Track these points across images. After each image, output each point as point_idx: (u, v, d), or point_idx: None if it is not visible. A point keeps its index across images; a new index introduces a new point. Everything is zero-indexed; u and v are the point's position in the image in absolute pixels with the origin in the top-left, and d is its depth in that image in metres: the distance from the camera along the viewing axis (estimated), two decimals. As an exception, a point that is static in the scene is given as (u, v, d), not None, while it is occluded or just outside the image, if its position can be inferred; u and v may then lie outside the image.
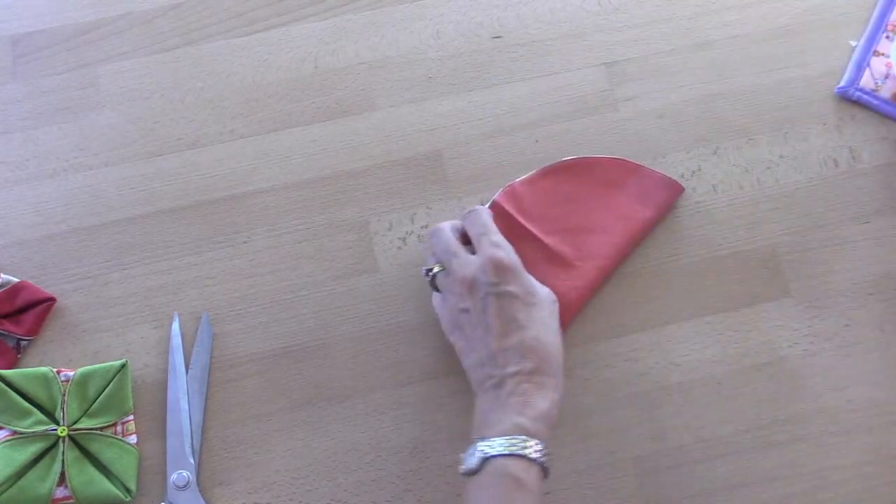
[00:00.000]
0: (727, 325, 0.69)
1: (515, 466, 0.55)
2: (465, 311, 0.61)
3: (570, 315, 0.67)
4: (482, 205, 0.68)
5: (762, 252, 0.71)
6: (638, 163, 0.71)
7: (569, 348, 0.68)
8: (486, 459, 0.55)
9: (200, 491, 0.65)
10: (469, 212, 0.65)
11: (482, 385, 0.59)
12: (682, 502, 0.65)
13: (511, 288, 0.60)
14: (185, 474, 0.65)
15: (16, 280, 0.68)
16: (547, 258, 0.68)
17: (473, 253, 0.63)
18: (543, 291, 0.63)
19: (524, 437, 0.55)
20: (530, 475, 0.55)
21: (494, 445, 0.55)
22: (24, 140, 0.73)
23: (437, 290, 0.65)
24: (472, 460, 0.56)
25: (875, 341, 0.68)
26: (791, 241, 0.71)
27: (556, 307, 0.63)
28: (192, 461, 0.65)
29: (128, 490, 0.64)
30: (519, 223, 0.68)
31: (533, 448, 0.55)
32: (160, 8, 0.77)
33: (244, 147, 0.73)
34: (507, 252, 0.62)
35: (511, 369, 0.58)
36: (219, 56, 0.75)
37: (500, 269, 0.60)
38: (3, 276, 0.69)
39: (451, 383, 0.68)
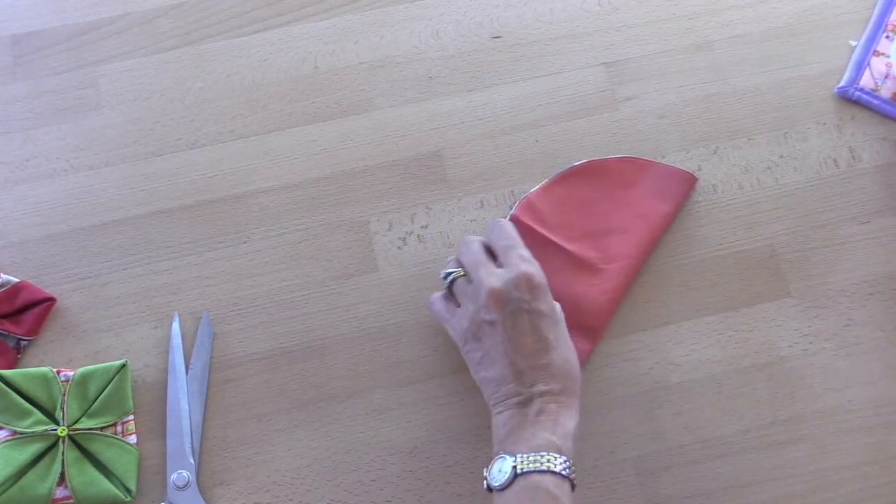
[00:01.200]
0: (727, 325, 0.69)
1: (549, 482, 0.55)
2: (491, 323, 0.60)
3: (604, 319, 0.68)
4: (504, 219, 0.67)
5: (762, 252, 0.71)
6: (648, 159, 0.71)
7: (569, 348, 0.68)
8: (518, 475, 0.55)
9: (200, 491, 0.65)
10: (495, 223, 0.64)
11: (505, 401, 0.59)
12: (682, 502, 0.65)
13: (542, 306, 0.60)
14: (185, 474, 0.65)
15: (16, 280, 0.68)
16: (573, 265, 0.68)
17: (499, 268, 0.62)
18: (559, 308, 0.62)
19: (556, 454, 0.56)
20: (563, 490, 0.55)
21: (528, 461, 0.55)
22: (24, 140, 0.73)
23: (451, 294, 0.64)
24: (503, 475, 0.56)
25: (875, 341, 0.68)
26: (791, 241, 0.71)
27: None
28: (192, 461, 0.65)
29: (128, 490, 0.64)
30: (540, 234, 0.69)
31: (563, 464, 0.56)
32: (160, 8, 0.77)
33: (244, 147, 0.73)
34: (536, 268, 0.61)
35: (539, 388, 0.58)
36: (219, 56, 0.75)
37: (531, 285, 0.60)
38: (3, 276, 0.69)
39: (451, 383, 0.68)
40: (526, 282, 0.60)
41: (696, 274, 0.70)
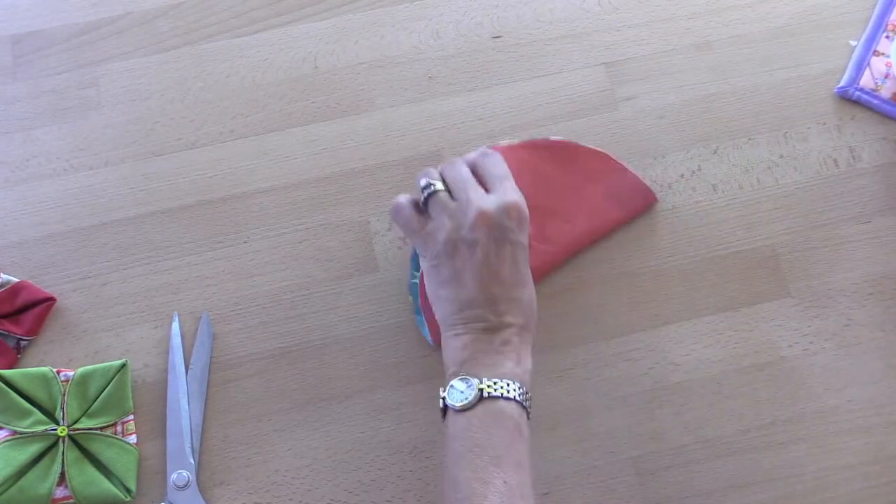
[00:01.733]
0: (727, 325, 0.69)
1: (513, 409, 0.55)
2: (471, 244, 0.59)
3: None
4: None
5: (762, 252, 0.71)
6: (622, 163, 0.71)
7: (568, 348, 0.68)
8: (483, 398, 0.55)
9: (200, 491, 0.65)
10: (485, 152, 0.64)
11: (468, 324, 0.58)
12: (682, 502, 0.65)
13: (524, 240, 0.60)
14: (185, 474, 0.65)
15: (16, 280, 0.68)
16: None
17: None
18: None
19: (519, 384, 0.56)
20: (523, 420, 0.56)
21: (494, 386, 0.56)
22: (24, 140, 0.73)
23: (426, 207, 0.62)
24: (465, 396, 0.56)
25: (875, 341, 0.68)
26: (791, 241, 0.71)
27: None
28: (192, 461, 0.65)
29: (128, 490, 0.64)
30: None
31: (524, 395, 0.56)
32: (160, 8, 0.77)
33: (244, 147, 0.73)
34: (523, 200, 0.61)
35: (507, 319, 0.58)
36: (219, 56, 0.75)
37: (521, 217, 0.60)
38: (3, 276, 0.69)
39: (451, 383, 0.68)
40: (517, 212, 0.59)
41: (696, 274, 0.70)
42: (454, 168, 0.63)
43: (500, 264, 0.59)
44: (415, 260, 0.68)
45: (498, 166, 0.63)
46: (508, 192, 0.60)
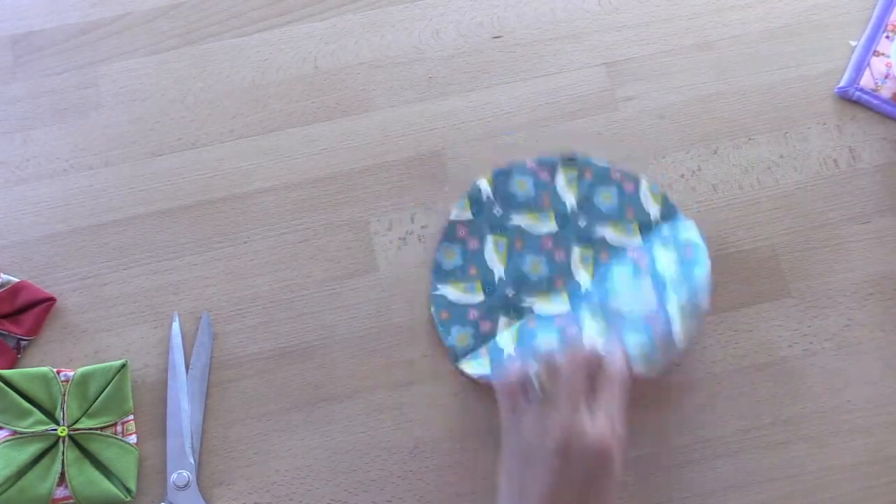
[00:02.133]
0: (727, 325, 0.69)
1: None
2: (554, 460, 0.53)
3: None
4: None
5: (762, 252, 0.71)
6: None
7: (569, 348, 0.68)
8: None
9: (200, 491, 0.65)
10: (612, 356, 0.57)
11: None
12: (682, 502, 0.65)
13: (603, 486, 0.53)
14: (185, 474, 0.65)
15: (16, 280, 0.68)
16: None
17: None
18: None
19: None
20: None
21: None
22: (24, 140, 0.73)
23: (531, 385, 0.56)
24: None
25: (875, 341, 0.68)
26: (791, 241, 0.71)
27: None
28: (192, 461, 0.65)
29: (128, 490, 0.64)
30: None
31: None
32: (160, 8, 0.77)
33: (244, 147, 0.73)
34: (619, 438, 0.54)
35: None
36: (219, 56, 0.75)
37: (603, 458, 0.53)
38: (3, 276, 0.69)
39: (451, 383, 0.68)
40: (622, 453, 0.53)
41: (696, 274, 0.70)
42: (572, 359, 0.56)
43: (557, 498, 0.52)
44: (437, 272, 0.69)
45: (616, 383, 0.56)
46: (617, 424, 0.54)
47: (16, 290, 0.68)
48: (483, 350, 0.67)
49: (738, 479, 0.66)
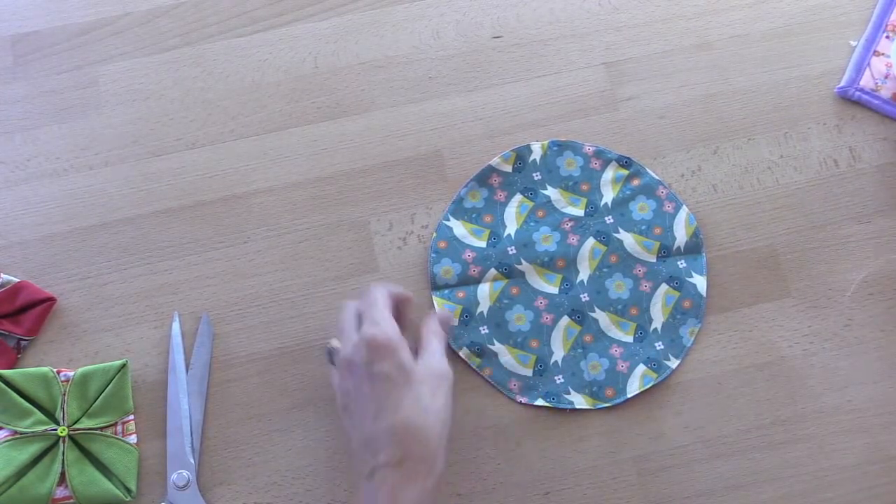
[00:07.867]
0: (727, 325, 0.69)
1: None
2: (347, 392, 0.58)
3: None
4: (376, 282, 0.63)
5: (762, 252, 0.71)
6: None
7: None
8: None
9: (200, 491, 0.65)
10: (363, 290, 0.62)
11: (360, 475, 0.56)
12: (682, 502, 0.65)
13: (383, 367, 0.56)
14: (185, 474, 0.65)
15: (16, 280, 0.68)
16: None
17: None
18: (426, 367, 0.58)
19: None
20: None
21: None
22: (24, 140, 0.73)
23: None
24: None
25: (875, 341, 0.69)
26: (791, 241, 0.71)
27: (447, 382, 0.58)
28: (192, 461, 0.65)
29: (128, 490, 0.64)
30: None
31: None
32: (160, 8, 0.77)
33: (244, 147, 0.73)
34: (382, 328, 0.57)
35: (381, 458, 0.54)
36: (219, 56, 0.75)
37: (372, 347, 0.56)
38: (3, 276, 0.69)
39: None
40: (366, 344, 0.57)
41: (696, 274, 0.70)
42: (338, 316, 0.62)
43: (365, 401, 0.56)
44: (455, 205, 0.71)
45: (364, 302, 0.60)
46: (364, 326, 0.58)
47: (16, 290, 0.68)
48: (461, 293, 0.69)
49: (738, 479, 0.66)
